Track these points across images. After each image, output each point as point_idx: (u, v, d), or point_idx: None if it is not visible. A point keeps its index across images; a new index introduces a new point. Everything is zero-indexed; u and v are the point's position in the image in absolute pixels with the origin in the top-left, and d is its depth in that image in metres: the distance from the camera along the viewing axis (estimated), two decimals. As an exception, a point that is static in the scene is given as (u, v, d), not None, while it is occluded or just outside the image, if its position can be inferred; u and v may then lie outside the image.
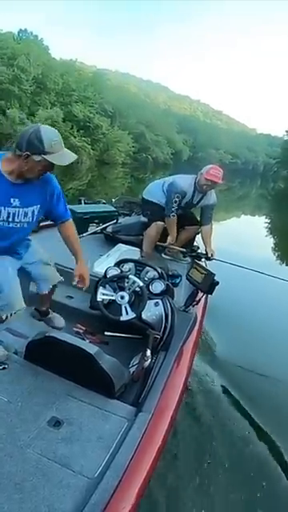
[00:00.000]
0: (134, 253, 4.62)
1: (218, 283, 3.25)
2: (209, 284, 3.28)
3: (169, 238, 4.95)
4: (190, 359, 3.09)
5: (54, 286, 3.15)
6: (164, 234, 4.98)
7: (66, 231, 2.86)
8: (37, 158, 2.26)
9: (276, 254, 12.26)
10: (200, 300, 3.67)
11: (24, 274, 2.90)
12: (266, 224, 19.82)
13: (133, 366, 3.16)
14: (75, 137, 37.05)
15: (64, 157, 2.35)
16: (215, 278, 3.27)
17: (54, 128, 2.40)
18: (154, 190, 5.11)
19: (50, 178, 2.62)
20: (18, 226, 2.56)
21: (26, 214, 2.54)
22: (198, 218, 5.23)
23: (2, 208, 2.43)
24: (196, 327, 3.40)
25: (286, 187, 49.13)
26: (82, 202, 6.63)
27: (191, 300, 3.56)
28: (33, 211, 2.57)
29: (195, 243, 5.48)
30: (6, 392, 2.39)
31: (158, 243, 5.03)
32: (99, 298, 3.25)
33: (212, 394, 3.89)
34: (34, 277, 2.98)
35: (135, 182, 30.81)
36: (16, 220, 2.52)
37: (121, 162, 43.57)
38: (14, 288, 2.68)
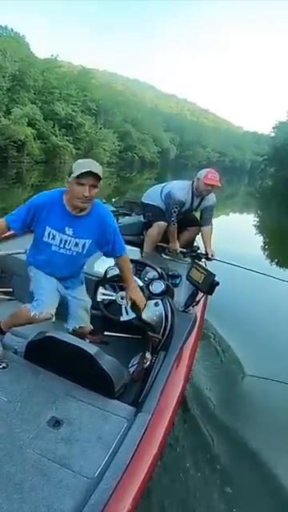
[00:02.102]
0: (134, 253, 4.60)
1: (218, 284, 3.25)
2: (209, 284, 3.28)
3: (171, 244, 4.97)
4: (190, 359, 3.10)
5: (76, 331, 3.14)
6: (165, 234, 4.97)
7: (120, 263, 3.01)
8: (73, 180, 2.54)
9: (266, 253, 12.21)
10: (200, 300, 3.68)
11: (62, 305, 3.02)
12: (256, 222, 19.74)
13: (132, 365, 3.19)
14: (57, 136, 36.21)
15: (82, 166, 2.54)
16: (215, 278, 3.27)
17: (87, 159, 2.69)
18: (153, 196, 5.11)
19: (105, 216, 2.79)
20: (69, 253, 2.78)
21: (76, 244, 2.75)
22: (199, 218, 5.23)
23: (57, 234, 2.70)
24: (196, 327, 3.41)
25: (274, 185, 49.16)
26: None
27: (191, 300, 3.57)
28: (84, 244, 2.77)
29: (195, 243, 5.46)
30: (5, 392, 2.39)
31: (159, 244, 5.03)
32: (99, 297, 3.27)
33: (212, 394, 3.89)
34: (69, 311, 3.09)
35: (122, 182, 30.52)
36: (67, 247, 2.74)
37: (106, 162, 42.56)
38: (52, 295, 2.85)
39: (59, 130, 37.14)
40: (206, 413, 3.60)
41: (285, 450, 3.38)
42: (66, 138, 37.40)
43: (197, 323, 3.45)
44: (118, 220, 5.79)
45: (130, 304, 2.97)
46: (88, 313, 3.19)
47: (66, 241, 2.73)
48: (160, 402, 2.45)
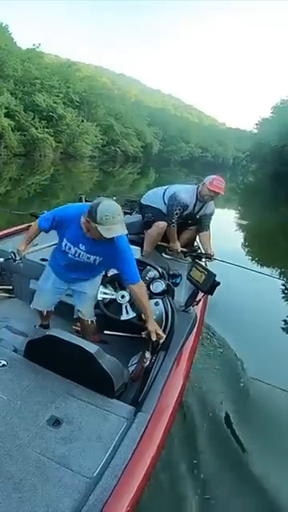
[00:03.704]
0: (134, 252, 4.54)
1: (218, 284, 3.24)
2: (209, 284, 3.27)
3: (171, 244, 4.95)
4: (190, 359, 3.11)
5: (86, 321, 3.39)
6: (166, 234, 4.94)
7: (133, 292, 2.98)
8: (93, 224, 2.60)
9: (249, 249, 12.22)
10: (200, 300, 3.68)
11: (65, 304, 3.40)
12: (237, 219, 19.77)
13: (132, 365, 3.19)
14: (37, 128, 34.62)
15: (111, 231, 2.58)
16: (216, 278, 3.27)
17: (111, 201, 2.73)
18: (154, 199, 5.06)
19: (119, 241, 2.80)
20: (80, 260, 2.95)
21: (88, 258, 2.93)
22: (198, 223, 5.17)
23: (72, 246, 2.91)
24: (196, 327, 3.40)
25: (256, 181, 49.48)
26: (83, 199, 6.59)
27: (191, 300, 3.56)
28: (95, 259, 2.93)
29: (195, 243, 5.45)
30: (5, 390, 2.38)
31: (160, 243, 5.01)
32: (99, 296, 3.26)
33: (212, 394, 3.89)
34: (75, 302, 3.38)
35: (104, 176, 30.00)
36: (80, 258, 2.94)
37: (88, 155, 42.16)
38: (49, 297, 3.28)
39: (39, 121, 35.53)
40: (205, 413, 3.60)
41: (284, 450, 3.41)
42: (46, 130, 35.78)
43: (197, 323, 3.44)
44: None
45: (154, 337, 2.85)
46: (90, 305, 3.32)
47: (79, 253, 2.92)
48: (160, 401, 2.46)
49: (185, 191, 4.82)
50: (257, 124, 59.21)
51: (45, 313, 3.38)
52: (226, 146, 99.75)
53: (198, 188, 4.77)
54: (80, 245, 2.88)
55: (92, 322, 3.37)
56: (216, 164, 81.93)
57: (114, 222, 2.57)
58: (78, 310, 3.33)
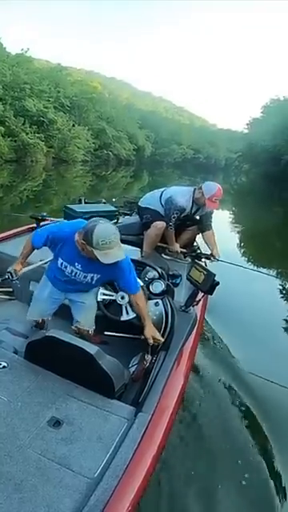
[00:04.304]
0: (134, 252, 4.56)
1: (218, 283, 3.23)
2: (209, 284, 3.26)
3: (170, 246, 4.98)
4: (190, 359, 3.11)
5: (85, 331, 3.32)
6: (164, 236, 4.96)
7: (133, 301, 3.04)
8: (89, 248, 2.60)
9: (244, 250, 12.15)
10: (200, 300, 3.68)
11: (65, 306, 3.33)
12: (232, 219, 19.69)
13: (133, 365, 3.19)
14: (27, 133, 33.85)
15: (108, 256, 2.59)
16: (215, 278, 3.26)
17: (107, 223, 2.72)
18: (151, 200, 5.10)
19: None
20: (76, 279, 2.96)
21: (85, 277, 2.93)
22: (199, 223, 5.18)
23: (68, 265, 2.90)
24: (196, 327, 3.40)
25: (248, 181, 49.55)
26: (82, 201, 6.63)
27: (191, 300, 3.55)
28: (92, 277, 2.93)
29: (195, 243, 5.48)
30: (5, 392, 2.39)
31: (159, 244, 5.02)
32: (99, 297, 3.26)
33: (212, 394, 3.90)
34: (71, 310, 3.33)
35: (97, 180, 29.77)
36: (77, 277, 2.94)
37: (80, 160, 41.56)
38: (44, 307, 3.24)
39: (30, 126, 34.42)
40: (206, 412, 3.59)
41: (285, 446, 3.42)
42: (37, 135, 35.08)
43: (197, 323, 3.44)
44: (117, 220, 5.81)
45: (151, 341, 2.90)
46: (89, 314, 3.27)
47: (76, 272, 2.91)
48: (160, 401, 2.46)
49: (181, 194, 4.84)
50: (248, 124, 59.07)
51: (40, 320, 3.32)
52: (218, 147, 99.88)
53: (194, 191, 4.80)
54: (76, 264, 2.88)
55: (90, 332, 3.32)
56: (208, 165, 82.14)
57: (111, 247, 2.57)
58: (77, 321, 3.28)
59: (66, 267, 2.92)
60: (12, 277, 3.05)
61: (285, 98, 49.82)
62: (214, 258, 4.94)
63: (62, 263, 2.93)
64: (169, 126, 79.93)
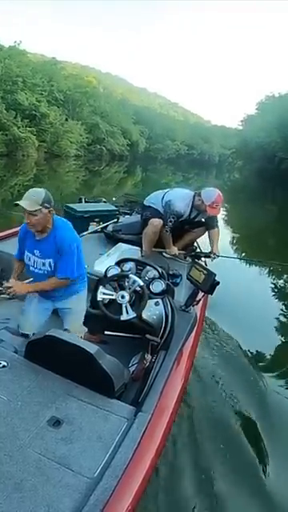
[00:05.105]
0: (134, 252, 4.69)
1: (218, 283, 3.23)
2: (209, 284, 3.26)
3: (168, 250, 4.98)
4: (190, 359, 3.11)
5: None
6: (161, 238, 4.96)
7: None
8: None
9: (237, 247, 12.18)
10: (200, 300, 3.68)
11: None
12: (225, 216, 19.65)
13: (132, 365, 3.19)
14: (19, 127, 33.76)
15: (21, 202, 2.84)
16: (216, 278, 3.25)
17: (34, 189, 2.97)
18: (155, 200, 5.12)
19: (62, 238, 3.00)
20: (41, 272, 3.12)
21: (43, 264, 3.07)
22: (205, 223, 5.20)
23: (31, 255, 3.11)
24: (196, 327, 3.40)
25: (242, 178, 49.56)
26: (83, 200, 6.65)
27: (191, 300, 3.54)
28: (49, 263, 3.06)
29: (195, 243, 5.47)
30: (5, 391, 2.38)
31: (156, 249, 5.03)
32: (99, 297, 3.24)
33: (212, 393, 3.91)
34: (62, 320, 3.40)
35: (90, 175, 29.57)
36: (37, 267, 3.11)
37: (73, 155, 41.50)
38: (31, 319, 3.27)
39: (21, 120, 34.71)
40: (206, 412, 3.61)
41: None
42: (28, 129, 35.05)
43: (197, 322, 3.44)
44: (118, 219, 5.89)
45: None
46: (77, 321, 3.36)
47: (35, 261, 3.10)
48: (160, 401, 2.45)
49: (181, 199, 4.87)
50: (242, 121, 59.33)
51: (31, 335, 3.15)
52: (212, 143, 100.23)
53: (194, 197, 4.82)
54: (35, 251, 3.07)
55: (82, 336, 3.29)
56: (202, 161, 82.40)
57: (23, 198, 2.84)
58: (66, 329, 3.27)
59: (29, 259, 3.12)
60: (8, 294, 3.12)
61: (280, 94, 50.02)
62: (214, 254, 4.96)
63: (27, 255, 3.15)
64: (163, 121, 80.00)
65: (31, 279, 3.33)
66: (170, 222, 4.79)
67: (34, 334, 3.16)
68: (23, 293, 3.11)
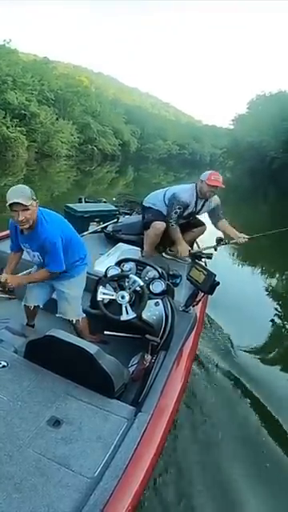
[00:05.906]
0: (134, 252, 4.66)
1: (218, 283, 3.24)
2: (209, 284, 3.27)
3: (178, 247, 4.88)
4: (190, 359, 3.11)
5: (72, 322, 3.47)
6: (164, 235, 4.90)
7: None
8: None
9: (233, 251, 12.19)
10: (200, 300, 3.69)
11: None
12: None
13: (132, 365, 3.19)
14: (8, 127, 32.66)
15: (8, 197, 2.86)
16: (216, 278, 3.26)
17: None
18: (154, 200, 5.06)
19: (44, 235, 3.01)
20: (37, 261, 3.27)
21: (34, 256, 3.21)
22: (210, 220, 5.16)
23: (24, 247, 3.24)
24: (196, 327, 3.41)
25: (233, 177, 49.48)
26: (83, 200, 6.62)
27: (191, 300, 3.57)
28: (38, 255, 3.16)
29: (195, 244, 5.44)
30: (5, 391, 2.38)
31: (169, 256, 5.01)
32: (99, 297, 3.24)
33: (212, 393, 3.91)
34: (58, 302, 3.48)
35: (82, 175, 29.28)
36: (32, 258, 3.25)
37: (64, 155, 40.48)
38: (37, 292, 3.43)
39: (11, 120, 33.98)
40: (206, 412, 3.61)
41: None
42: (18, 129, 33.91)
43: (197, 323, 3.45)
44: (118, 219, 5.85)
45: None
46: (70, 305, 3.40)
47: (29, 252, 3.23)
48: (160, 401, 2.46)
49: (184, 191, 4.83)
50: (233, 120, 59.24)
51: (32, 308, 3.49)
52: (203, 143, 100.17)
53: (196, 186, 4.77)
54: (26, 244, 3.18)
55: (78, 320, 3.44)
56: (194, 161, 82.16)
57: (13, 197, 2.84)
58: (60, 312, 3.42)
59: (25, 250, 3.27)
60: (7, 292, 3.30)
61: (271, 93, 50.09)
62: (244, 238, 4.93)
63: (23, 245, 3.25)
64: (155, 121, 79.68)
65: (25, 272, 3.64)
66: (175, 213, 4.72)
67: (34, 307, 3.48)
68: (15, 284, 3.20)
